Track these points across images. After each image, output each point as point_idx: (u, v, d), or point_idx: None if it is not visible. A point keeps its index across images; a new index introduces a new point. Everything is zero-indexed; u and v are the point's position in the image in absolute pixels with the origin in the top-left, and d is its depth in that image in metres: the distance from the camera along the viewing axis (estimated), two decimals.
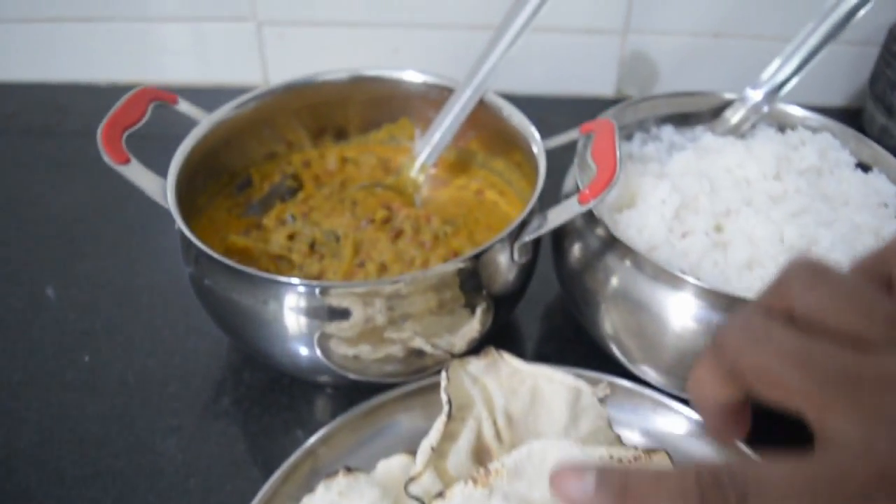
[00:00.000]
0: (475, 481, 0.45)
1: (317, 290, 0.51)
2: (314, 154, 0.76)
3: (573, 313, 0.64)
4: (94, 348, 0.67)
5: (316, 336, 0.54)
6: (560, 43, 0.99)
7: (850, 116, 1.02)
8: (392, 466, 0.52)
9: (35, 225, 0.82)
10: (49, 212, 0.84)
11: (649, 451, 0.46)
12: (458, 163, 0.75)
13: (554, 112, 0.96)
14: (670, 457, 0.46)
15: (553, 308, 0.71)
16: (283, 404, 0.62)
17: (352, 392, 0.60)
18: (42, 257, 0.77)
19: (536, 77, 1.01)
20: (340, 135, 0.77)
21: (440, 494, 0.45)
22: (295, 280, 0.52)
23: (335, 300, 0.51)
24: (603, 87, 1.03)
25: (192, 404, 0.62)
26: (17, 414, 0.62)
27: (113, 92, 1.03)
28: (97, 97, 1.04)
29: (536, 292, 0.68)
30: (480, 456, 0.51)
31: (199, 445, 0.59)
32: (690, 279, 0.53)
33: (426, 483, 0.48)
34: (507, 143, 0.69)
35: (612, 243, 0.57)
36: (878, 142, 0.93)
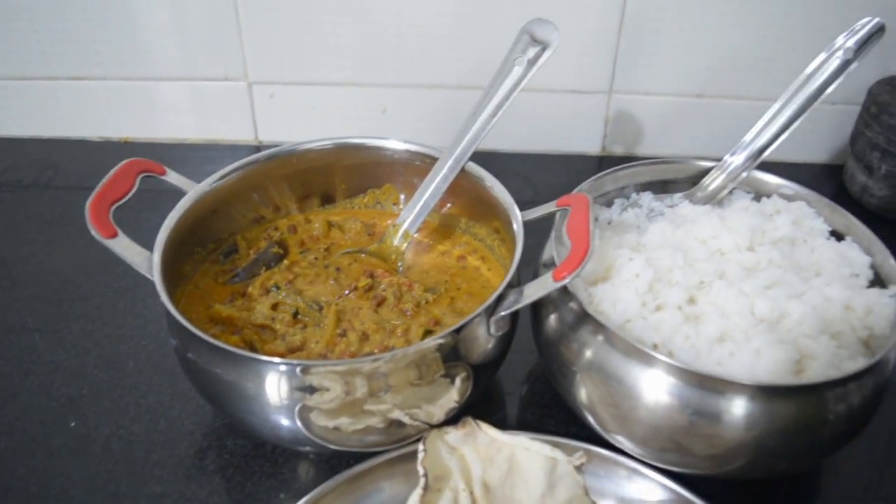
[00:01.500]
0: None
1: (297, 369, 0.52)
2: (300, 218, 0.78)
3: (552, 382, 0.65)
4: (79, 414, 0.68)
5: (297, 409, 0.55)
6: (547, 102, 1.01)
7: (833, 173, 1.04)
8: None
9: (24, 285, 0.83)
10: (39, 272, 0.85)
11: None
12: (441, 228, 0.77)
13: (541, 169, 0.98)
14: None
15: (534, 374, 0.72)
16: (267, 471, 0.63)
17: (334, 459, 0.61)
18: (30, 319, 0.78)
19: (524, 135, 1.03)
20: (326, 200, 0.79)
21: None
22: (276, 359, 0.54)
23: (315, 378, 0.52)
24: (589, 144, 1.05)
25: (176, 471, 0.63)
26: (4, 478, 0.62)
27: (106, 147, 1.06)
28: (90, 153, 1.07)
29: (519, 358, 0.69)
30: None
31: None
32: (661, 357, 0.54)
33: None
34: (488, 211, 0.71)
35: (586, 318, 0.58)
36: (859, 200, 0.95)
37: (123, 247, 0.60)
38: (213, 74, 1.02)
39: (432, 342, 0.54)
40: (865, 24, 0.67)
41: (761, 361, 0.54)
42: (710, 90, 0.99)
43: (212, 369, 0.55)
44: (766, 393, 0.53)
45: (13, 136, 1.08)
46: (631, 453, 0.60)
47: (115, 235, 0.60)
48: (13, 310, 0.80)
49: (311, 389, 0.54)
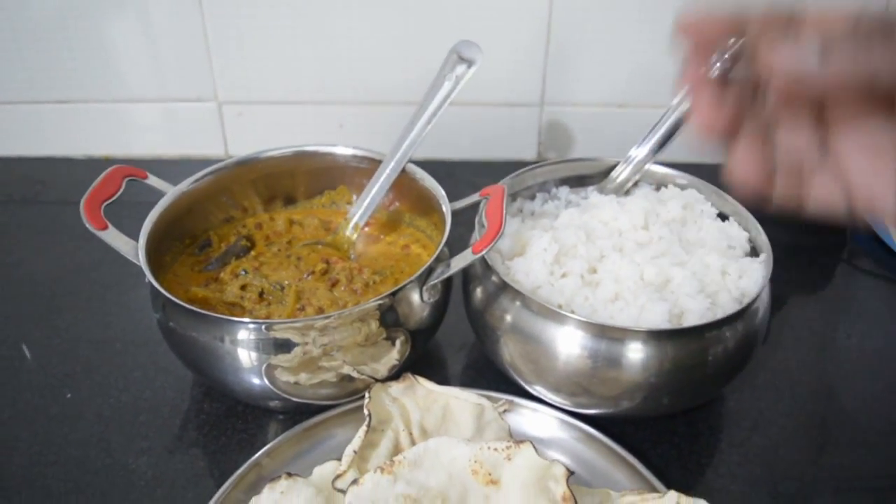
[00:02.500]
0: (382, 470, 0.57)
1: (263, 327, 0.63)
2: (265, 217, 0.88)
3: (482, 346, 0.76)
4: (74, 387, 0.78)
5: (264, 367, 0.66)
6: (486, 115, 1.13)
7: None
8: (325, 470, 0.64)
9: (18, 284, 0.93)
10: (31, 273, 0.95)
11: (518, 442, 0.58)
12: (388, 222, 0.88)
13: (483, 174, 1.09)
14: (535, 448, 0.58)
15: (467, 344, 0.83)
16: (238, 427, 0.73)
17: (296, 416, 0.71)
18: (25, 312, 0.88)
19: (467, 144, 1.15)
20: (288, 201, 0.90)
21: (355, 482, 0.56)
22: (246, 319, 0.64)
23: (278, 334, 0.63)
24: (526, 151, 1.17)
25: (160, 431, 0.74)
26: (9, 443, 0.72)
27: (89, 164, 1.17)
28: (74, 170, 1.17)
29: (454, 331, 0.80)
30: None
31: (166, 463, 0.70)
32: (568, 314, 0.65)
33: (349, 479, 0.59)
34: (426, 205, 0.82)
35: (505, 286, 0.69)
36: None
37: (113, 237, 0.70)
38: (186, 96, 1.13)
39: (372, 303, 0.65)
40: (734, 44, 0.79)
41: (644, 315, 0.66)
42: (630, 100, 1.12)
43: (191, 334, 0.66)
44: (653, 337, 0.64)
45: (3, 155, 1.18)
46: (547, 400, 0.71)
47: (105, 228, 0.70)
48: (10, 304, 0.90)
49: (275, 348, 0.64)
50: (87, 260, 0.96)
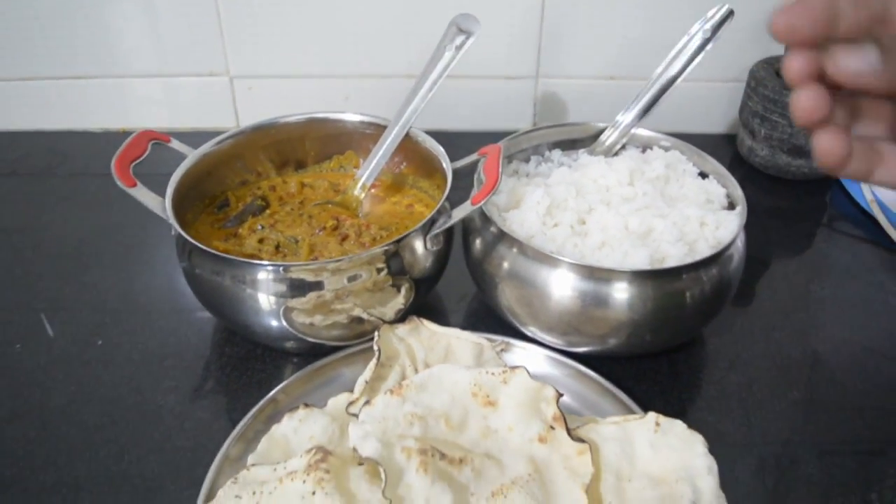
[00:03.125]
0: (392, 392, 0.63)
1: (281, 269, 0.70)
2: (278, 180, 0.95)
3: (481, 294, 0.83)
4: (105, 335, 0.85)
5: (282, 309, 0.72)
6: (484, 88, 1.20)
7: (728, 141, 1.23)
8: (338, 401, 0.70)
9: (47, 247, 0.99)
10: (57, 236, 1.02)
11: (513, 368, 0.65)
12: (393, 184, 0.94)
13: (480, 143, 1.15)
14: (528, 373, 0.64)
15: (468, 295, 0.90)
16: (257, 369, 0.80)
17: (310, 358, 0.78)
18: (55, 272, 0.95)
19: (466, 115, 1.21)
20: (300, 165, 0.96)
21: (367, 403, 0.63)
22: (266, 262, 0.71)
23: (294, 275, 0.70)
24: (522, 122, 1.23)
25: (185, 372, 0.80)
26: (48, 384, 0.79)
27: (105, 138, 1.23)
28: (91, 142, 1.23)
29: (456, 284, 0.87)
30: None
31: (192, 400, 0.77)
32: (561, 257, 0.72)
33: (361, 403, 0.66)
34: (429, 167, 0.88)
35: (502, 236, 0.76)
36: (748, 160, 1.14)
37: (142, 194, 0.76)
38: (200, 71, 1.19)
39: (379, 249, 0.72)
40: (717, 11, 0.86)
41: (628, 259, 0.72)
42: (620, 73, 1.18)
43: (215, 279, 0.73)
44: (636, 278, 0.70)
45: (25, 129, 1.24)
46: (541, 340, 0.78)
47: (135, 185, 0.76)
48: (40, 265, 0.96)
49: (292, 290, 0.71)
50: (109, 223, 1.03)
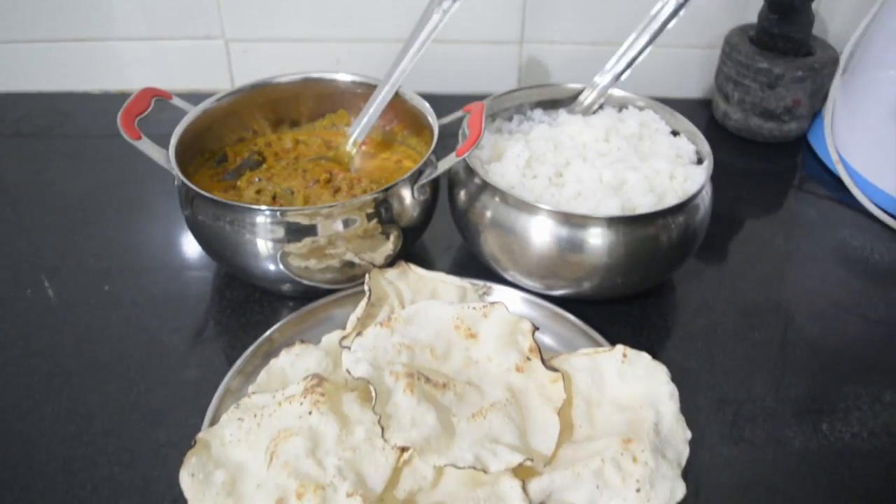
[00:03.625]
0: (381, 325, 0.69)
1: (278, 213, 0.75)
2: (274, 138, 1.00)
3: (465, 243, 0.88)
4: (111, 281, 0.90)
5: (279, 254, 0.78)
6: (470, 52, 1.25)
7: (704, 106, 1.29)
8: (332, 337, 0.75)
9: (51, 203, 1.04)
10: (62, 191, 1.06)
11: (493, 303, 0.71)
12: (383, 142, 0.99)
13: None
14: (506, 307, 0.70)
15: (453, 245, 0.95)
16: (255, 310, 0.86)
17: (305, 302, 0.83)
18: (61, 224, 1.00)
19: (453, 79, 1.26)
20: (294, 124, 1.01)
21: (359, 334, 0.68)
22: (263, 206, 0.76)
23: (291, 219, 0.75)
24: (507, 85, 1.26)
25: (188, 314, 0.86)
26: (58, 325, 0.84)
27: (105, 98, 1.27)
28: (92, 103, 1.28)
29: (441, 235, 0.93)
30: None
31: (194, 339, 0.83)
32: (540, 205, 0.77)
33: (353, 337, 0.71)
34: (417, 124, 0.94)
35: (485, 186, 0.81)
36: (723, 124, 1.20)
37: (146, 146, 0.81)
38: (196, 34, 1.23)
39: (369, 196, 0.77)
40: None
41: (601, 208, 0.78)
42: (601, 39, 1.23)
43: (217, 224, 0.78)
44: (610, 224, 0.75)
45: (27, 90, 1.28)
46: (521, 285, 0.83)
47: (139, 138, 0.81)
48: (46, 218, 1.01)
49: (289, 235, 0.76)
50: (112, 179, 1.08)
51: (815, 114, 1.19)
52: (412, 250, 0.88)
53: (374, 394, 0.62)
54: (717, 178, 0.84)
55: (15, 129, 1.21)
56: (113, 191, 1.06)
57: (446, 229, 0.91)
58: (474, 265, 0.89)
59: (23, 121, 1.23)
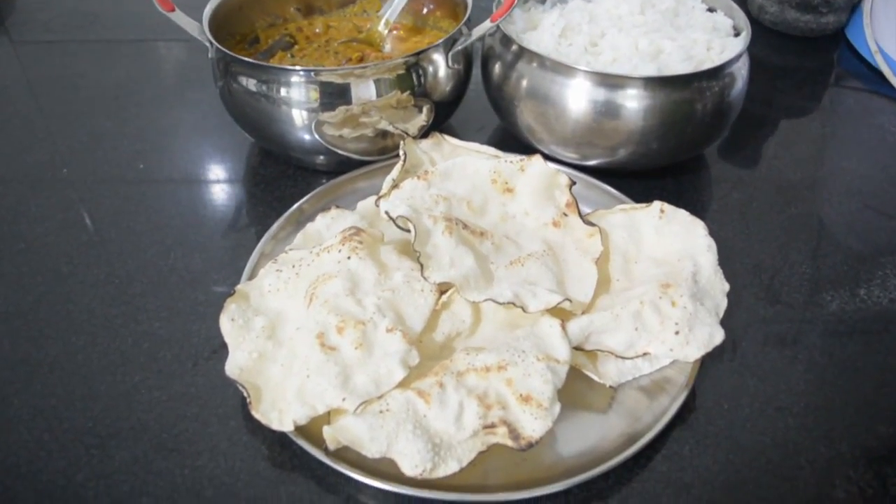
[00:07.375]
0: (418, 178, 0.69)
1: (312, 73, 0.75)
2: (304, 23, 0.99)
3: (500, 119, 0.88)
4: (146, 160, 0.91)
5: (314, 123, 0.78)
6: None
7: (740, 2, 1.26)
8: (367, 203, 0.76)
9: (86, 90, 1.05)
10: (96, 81, 1.07)
11: (529, 156, 0.70)
12: (414, 27, 0.99)
13: None
14: (543, 159, 0.70)
15: (487, 126, 0.95)
16: (289, 184, 0.86)
17: (337, 173, 0.83)
18: (98, 111, 1.00)
19: None
20: (324, 11, 1.00)
21: (395, 186, 0.69)
22: (298, 67, 0.76)
23: (325, 78, 0.75)
24: None
25: (224, 187, 0.87)
26: (96, 199, 0.85)
27: (133, 1, 1.27)
28: (120, 5, 1.27)
29: (475, 117, 0.92)
30: None
31: (229, 211, 0.83)
32: (577, 66, 0.76)
33: (390, 194, 0.71)
34: (450, 7, 0.93)
35: (521, 53, 0.80)
36: (758, 18, 1.17)
37: (180, 18, 0.80)
38: None
39: (401, 59, 0.77)
40: None
41: (637, 70, 0.77)
42: None
43: (251, 92, 0.78)
44: (646, 85, 0.75)
45: None
46: (558, 157, 0.83)
47: (173, 10, 0.80)
48: (81, 105, 1.01)
49: (323, 101, 0.76)
50: (143, 70, 1.08)
51: (853, 7, 1.16)
52: (445, 129, 0.87)
53: (413, 232, 0.62)
54: (752, 73, 0.83)
55: (46, 28, 1.21)
56: (145, 80, 1.06)
57: (480, 111, 0.91)
58: (509, 143, 0.89)
59: (54, 21, 1.23)
